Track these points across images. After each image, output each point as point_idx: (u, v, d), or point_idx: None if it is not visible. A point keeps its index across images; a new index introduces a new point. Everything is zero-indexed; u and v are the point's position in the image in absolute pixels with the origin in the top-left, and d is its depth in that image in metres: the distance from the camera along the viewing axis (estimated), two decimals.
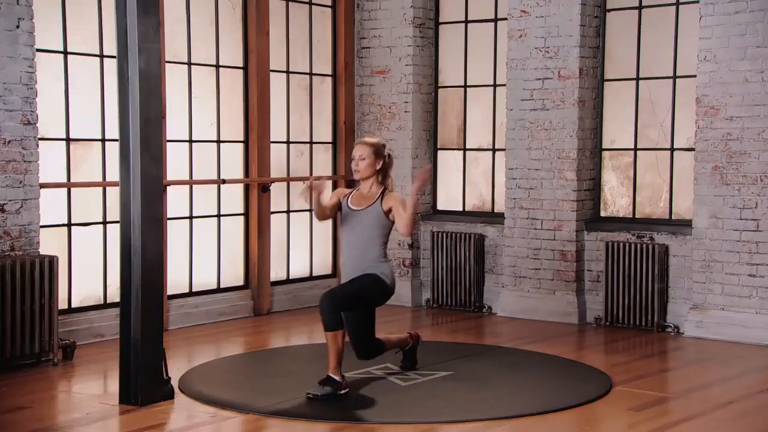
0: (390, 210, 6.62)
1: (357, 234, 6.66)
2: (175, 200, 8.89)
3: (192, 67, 9.05)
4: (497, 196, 9.96)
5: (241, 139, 9.49)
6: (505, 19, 9.64)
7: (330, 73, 10.36)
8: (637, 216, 9.25)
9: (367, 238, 6.64)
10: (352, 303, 6.57)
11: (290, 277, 10.05)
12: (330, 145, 10.40)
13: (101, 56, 8.26)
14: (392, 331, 8.79)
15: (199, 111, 9.14)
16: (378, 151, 6.70)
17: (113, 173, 8.11)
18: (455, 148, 10.27)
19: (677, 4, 8.98)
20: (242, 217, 9.54)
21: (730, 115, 8.43)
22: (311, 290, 10.09)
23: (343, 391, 6.55)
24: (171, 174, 8.73)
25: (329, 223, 10.35)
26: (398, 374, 7.13)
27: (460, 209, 10.22)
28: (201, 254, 9.20)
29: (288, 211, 10.02)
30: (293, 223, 10.08)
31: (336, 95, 10.38)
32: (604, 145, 9.42)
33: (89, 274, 8.28)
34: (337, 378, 6.53)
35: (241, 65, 9.46)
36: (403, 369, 7.22)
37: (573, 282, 9.27)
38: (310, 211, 10.19)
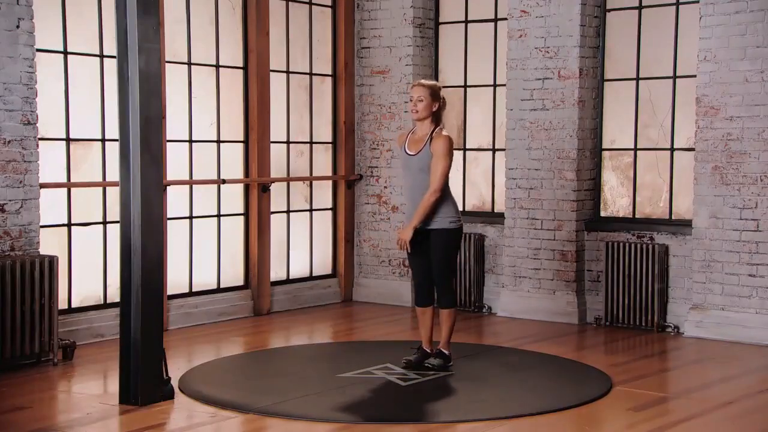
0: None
1: (416, 179, 7.09)
2: (175, 200, 8.89)
3: (192, 67, 9.05)
4: (497, 196, 9.96)
5: (241, 139, 9.49)
6: (505, 19, 9.64)
7: (330, 73, 10.36)
8: (637, 216, 9.25)
9: (426, 182, 7.03)
10: (451, 268, 7.22)
11: (290, 277, 10.05)
12: (330, 145, 10.40)
13: (101, 56, 8.26)
14: (392, 331, 8.81)
15: (199, 111, 9.14)
16: (435, 93, 7.10)
17: (113, 173, 8.12)
18: (455, 148, 10.21)
19: (677, 4, 8.98)
20: (242, 217, 9.54)
21: (730, 115, 8.43)
22: (311, 290, 10.10)
23: (450, 364, 7.22)
24: (171, 174, 8.73)
25: (329, 223, 10.37)
26: (398, 374, 7.13)
27: (460, 209, 10.20)
28: (201, 254, 9.20)
29: (288, 211, 10.02)
30: (293, 223, 10.08)
31: (336, 95, 10.38)
32: (604, 145, 9.42)
33: (89, 274, 8.28)
34: (446, 352, 7.22)
35: (241, 65, 9.46)
36: (431, 365, 7.26)
37: (573, 282, 9.27)
38: (310, 211, 10.22)
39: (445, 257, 7.13)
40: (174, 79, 8.87)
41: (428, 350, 7.27)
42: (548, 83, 9.32)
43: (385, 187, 10.22)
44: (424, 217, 7.03)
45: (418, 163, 7.07)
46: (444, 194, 7.08)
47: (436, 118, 7.14)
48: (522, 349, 8.12)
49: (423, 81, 7.22)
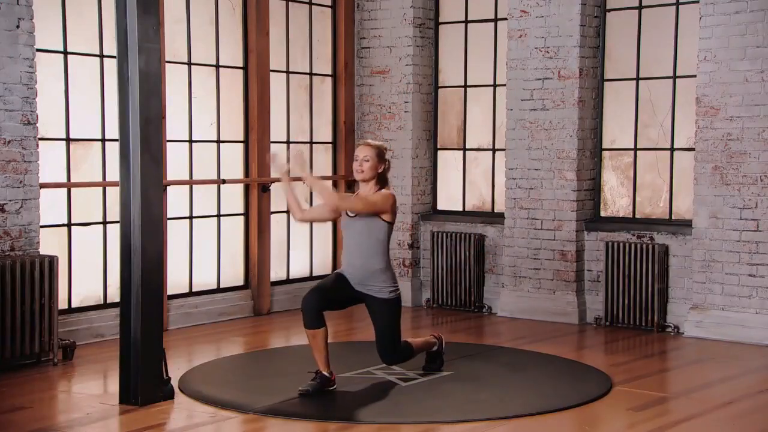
0: (381, 212, 6.62)
1: (354, 241, 6.68)
2: (175, 200, 8.89)
3: (192, 67, 9.04)
4: (497, 196, 9.96)
5: (241, 139, 9.49)
6: (505, 19, 9.64)
7: (330, 73, 10.36)
8: (637, 216, 9.25)
9: (366, 247, 6.66)
10: (398, 337, 6.80)
11: (290, 277, 10.05)
12: (330, 145, 10.40)
13: (101, 56, 8.26)
14: None
15: (199, 111, 9.14)
16: (381, 154, 6.71)
17: (113, 173, 8.12)
18: (455, 148, 10.27)
19: (677, 4, 8.98)
20: (242, 217, 9.54)
21: (730, 115, 8.43)
22: None
23: (331, 387, 6.67)
24: (171, 174, 8.73)
25: (329, 223, 10.35)
26: (398, 374, 7.12)
27: (460, 209, 10.22)
28: (201, 254, 9.20)
29: (288, 211, 10.01)
30: (293, 223, 10.07)
31: (336, 95, 10.38)
32: (604, 145, 9.42)
33: (89, 274, 8.28)
34: (325, 373, 6.65)
35: (241, 65, 9.46)
36: (428, 370, 7.20)
37: (573, 282, 9.27)
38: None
39: (392, 332, 6.75)
40: (174, 79, 8.87)
41: (327, 374, 6.64)
42: (548, 83, 9.32)
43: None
44: (320, 187, 6.65)
45: (359, 225, 6.64)
46: (384, 263, 6.71)
47: (382, 180, 6.72)
48: (522, 349, 8.12)
49: (369, 141, 6.84)
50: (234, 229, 9.48)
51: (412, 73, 10.12)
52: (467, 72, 10.15)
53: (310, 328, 6.57)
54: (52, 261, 7.40)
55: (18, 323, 7.20)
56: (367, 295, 6.74)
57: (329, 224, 10.35)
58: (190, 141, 9.06)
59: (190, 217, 9.10)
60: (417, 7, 10.11)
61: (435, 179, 10.37)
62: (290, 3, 9.95)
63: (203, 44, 9.16)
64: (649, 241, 8.98)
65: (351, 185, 10.37)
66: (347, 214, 6.72)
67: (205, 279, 9.24)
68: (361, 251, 6.66)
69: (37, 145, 7.60)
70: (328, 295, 6.64)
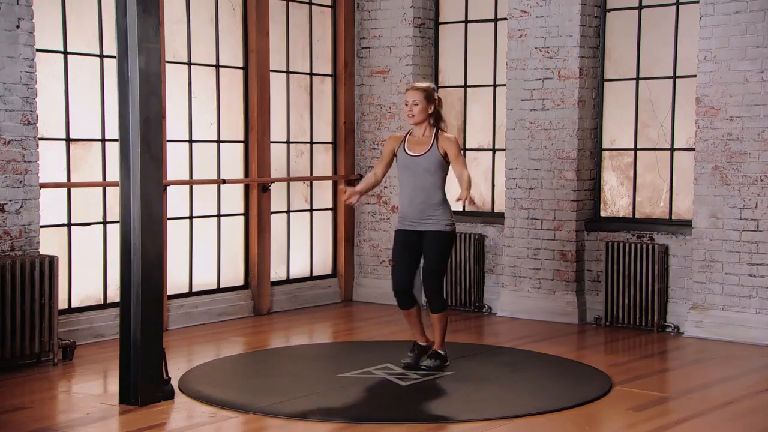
0: (446, 153, 6.99)
1: (419, 180, 7.03)
2: (175, 200, 8.89)
3: (192, 67, 9.05)
4: (497, 196, 9.96)
5: (241, 139, 9.49)
6: (505, 19, 9.64)
7: (330, 73, 10.36)
8: (637, 216, 9.25)
9: (429, 183, 7.02)
10: (443, 271, 7.20)
11: (290, 277, 10.05)
12: (330, 145, 10.40)
13: (101, 56, 8.26)
14: (392, 331, 8.81)
15: (199, 111, 9.14)
16: (429, 95, 7.07)
17: (113, 173, 8.12)
18: None
19: (677, 4, 8.98)
20: (242, 217, 9.54)
21: (730, 115, 8.43)
22: (311, 290, 10.10)
23: (447, 364, 7.22)
24: (171, 174, 8.73)
25: (329, 222, 10.37)
26: (398, 374, 7.13)
27: (460, 209, 10.21)
28: (201, 254, 9.20)
29: (288, 211, 10.02)
30: (293, 223, 10.08)
31: (336, 95, 10.38)
32: (604, 145, 9.43)
33: (89, 274, 8.29)
34: (442, 352, 7.21)
35: (241, 65, 9.47)
36: (426, 366, 7.24)
37: (573, 282, 9.27)
38: (310, 211, 10.22)
39: (439, 260, 7.09)
40: (174, 79, 8.87)
41: (423, 344, 7.27)
42: (548, 83, 9.32)
43: (385, 187, 10.22)
44: (470, 188, 6.91)
45: (424, 163, 7.02)
46: (443, 197, 7.08)
47: (435, 119, 7.12)
48: (522, 349, 8.12)
49: (417, 84, 7.20)
50: (234, 229, 9.48)
51: (412, 73, 10.12)
52: (467, 72, 10.16)
53: (404, 308, 7.17)
54: (52, 261, 7.40)
55: (18, 323, 7.20)
56: (425, 231, 7.06)
57: (329, 224, 10.36)
58: (190, 141, 9.06)
59: (190, 217, 9.10)
60: (417, 7, 10.11)
61: None
62: (290, 3, 9.95)
63: (203, 44, 9.16)
64: (649, 241, 8.98)
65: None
66: (408, 153, 7.05)
67: (205, 279, 9.24)
68: (424, 188, 7.02)
69: (37, 145, 7.60)
70: (409, 270, 7.11)
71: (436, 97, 7.12)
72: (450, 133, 7.19)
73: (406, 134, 7.21)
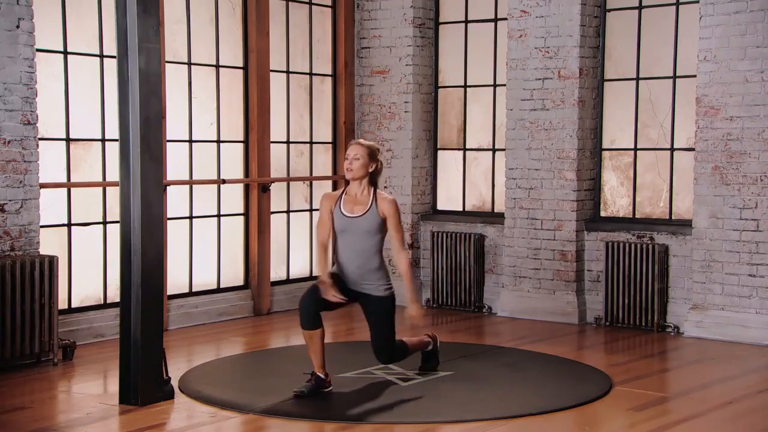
0: (385, 217, 6.65)
1: (357, 242, 6.65)
2: (175, 200, 8.89)
3: (192, 67, 9.05)
4: (497, 196, 9.96)
5: (241, 139, 9.49)
6: (505, 19, 9.64)
7: (330, 73, 10.36)
8: (637, 216, 9.25)
9: (368, 246, 6.66)
10: (393, 334, 6.79)
11: (290, 277, 10.05)
12: (330, 145, 10.40)
13: (101, 56, 8.26)
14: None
15: (199, 111, 9.14)
16: (372, 153, 6.71)
17: (113, 173, 8.12)
18: (455, 148, 10.27)
19: (677, 4, 8.98)
20: (242, 217, 9.54)
21: (730, 115, 8.43)
22: None
23: (327, 389, 6.66)
24: (171, 174, 8.73)
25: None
26: (397, 374, 7.13)
27: (460, 209, 10.22)
28: (201, 254, 9.20)
29: (288, 211, 10.02)
30: (293, 223, 10.08)
31: (336, 95, 10.38)
32: (604, 145, 9.42)
33: (89, 274, 8.29)
34: (321, 375, 6.65)
35: (241, 65, 9.47)
36: (423, 370, 7.19)
37: (573, 282, 9.27)
38: (310, 211, 10.22)
39: (388, 326, 6.74)
40: (174, 79, 8.87)
41: (322, 376, 6.66)
42: (548, 83, 9.32)
43: (385, 187, 10.21)
44: (413, 286, 6.81)
45: (364, 225, 6.61)
46: (380, 260, 6.73)
47: (373, 180, 6.73)
48: (522, 349, 8.12)
49: (361, 140, 6.86)
50: (234, 229, 9.48)
51: (412, 73, 10.12)
52: (467, 72, 10.15)
53: (307, 328, 6.58)
54: (52, 261, 7.40)
55: (18, 323, 7.20)
56: (362, 294, 6.73)
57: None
58: (190, 141, 9.06)
59: (190, 217, 9.10)
60: (417, 7, 10.11)
61: (435, 179, 10.38)
62: (290, 3, 9.95)
63: (203, 44, 9.16)
64: (649, 241, 8.98)
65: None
66: (345, 215, 6.66)
67: (205, 279, 9.24)
68: (363, 250, 6.65)
69: (37, 145, 7.60)
70: (321, 304, 6.59)
71: (379, 159, 6.73)
72: (388, 194, 6.88)
73: (342, 192, 6.77)
